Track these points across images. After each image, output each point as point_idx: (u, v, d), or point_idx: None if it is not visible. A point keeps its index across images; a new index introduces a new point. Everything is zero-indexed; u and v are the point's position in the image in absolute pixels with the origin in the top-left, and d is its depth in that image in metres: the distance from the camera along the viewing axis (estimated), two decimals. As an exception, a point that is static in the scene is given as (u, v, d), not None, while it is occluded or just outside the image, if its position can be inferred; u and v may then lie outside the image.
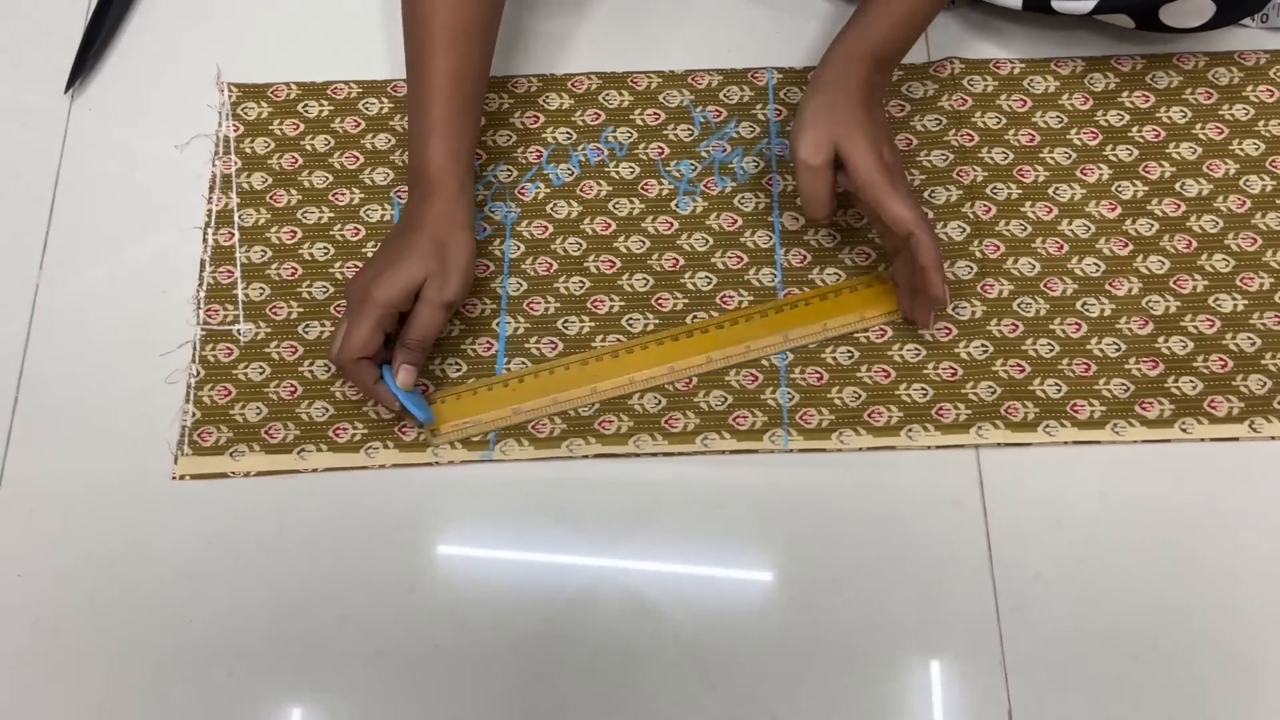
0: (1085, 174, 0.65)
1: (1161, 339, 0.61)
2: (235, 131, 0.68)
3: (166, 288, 0.65)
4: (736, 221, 0.65)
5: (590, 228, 0.65)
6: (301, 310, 0.64)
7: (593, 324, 0.63)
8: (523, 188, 0.66)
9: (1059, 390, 0.60)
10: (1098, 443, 0.59)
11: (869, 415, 0.60)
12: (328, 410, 0.61)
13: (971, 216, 0.64)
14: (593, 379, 0.60)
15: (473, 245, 0.58)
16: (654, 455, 0.60)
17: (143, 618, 0.58)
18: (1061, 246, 0.63)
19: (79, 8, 0.72)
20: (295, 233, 0.66)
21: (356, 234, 0.65)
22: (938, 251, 0.55)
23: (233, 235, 0.66)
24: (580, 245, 0.65)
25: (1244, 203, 0.64)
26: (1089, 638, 0.56)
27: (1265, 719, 0.54)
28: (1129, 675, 0.55)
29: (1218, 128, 0.66)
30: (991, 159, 0.65)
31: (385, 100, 0.69)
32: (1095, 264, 0.63)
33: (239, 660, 0.57)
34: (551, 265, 0.64)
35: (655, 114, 0.68)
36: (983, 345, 0.61)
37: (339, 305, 0.63)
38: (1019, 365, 0.61)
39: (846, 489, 0.59)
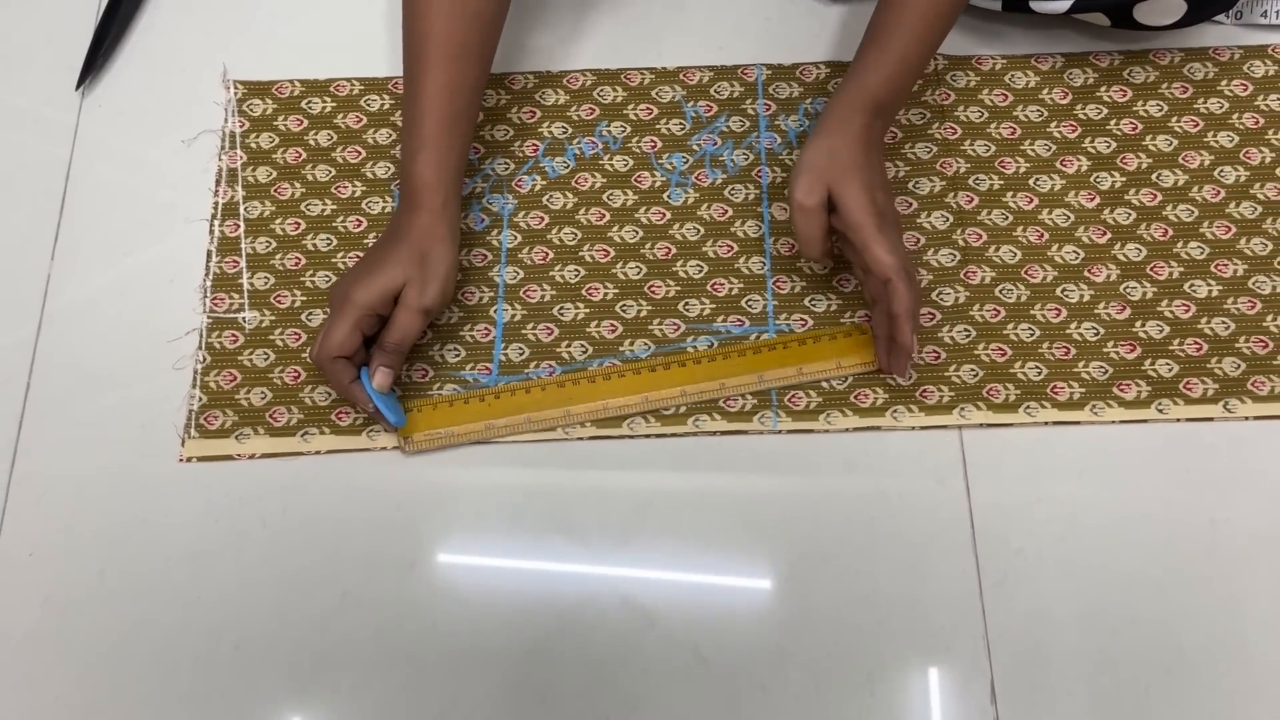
0: (1065, 165, 0.67)
1: (1139, 323, 0.63)
2: (241, 127, 0.70)
3: (174, 277, 0.67)
4: (727, 212, 0.67)
5: (585, 218, 0.67)
6: (305, 299, 0.66)
7: (588, 310, 0.65)
8: (520, 180, 0.68)
9: (1039, 373, 0.62)
10: (1077, 423, 0.61)
11: (855, 397, 0.62)
12: (329, 395, 0.63)
13: (954, 206, 0.66)
14: (568, 401, 0.62)
15: (453, 258, 0.60)
16: (647, 437, 0.62)
17: (151, 594, 0.59)
18: (1042, 235, 0.65)
19: (89, 8, 0.75)
20: (299, 224, 0.68)
21: (358, 225, 0.67)
22: (913, 302, 0.56)
23: (238, 227, 0.68)
24: (576, 235, 0.67)
25: (1218, 192, 0.66)
26: (1069, 611, 0.57)
27: (1242, 686, 0.56)
28: (1108, 646, 0.57)
29: (1193, 121, 0.68)
30: (974, 151, 0.67)
31: (386, 97, 0.71)
32: (1075, 252, 0.65)
33: (244, 635, 0.58)
34: (548, 254, 0.66)
35: (648, 109, 0.70)
36: (965, 330, 0.63)
37: (329, 293, 0.65)
38: (1000, 349, 0.62)
39: (834, 467, 0.61)
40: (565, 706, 0.57)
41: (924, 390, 0.62)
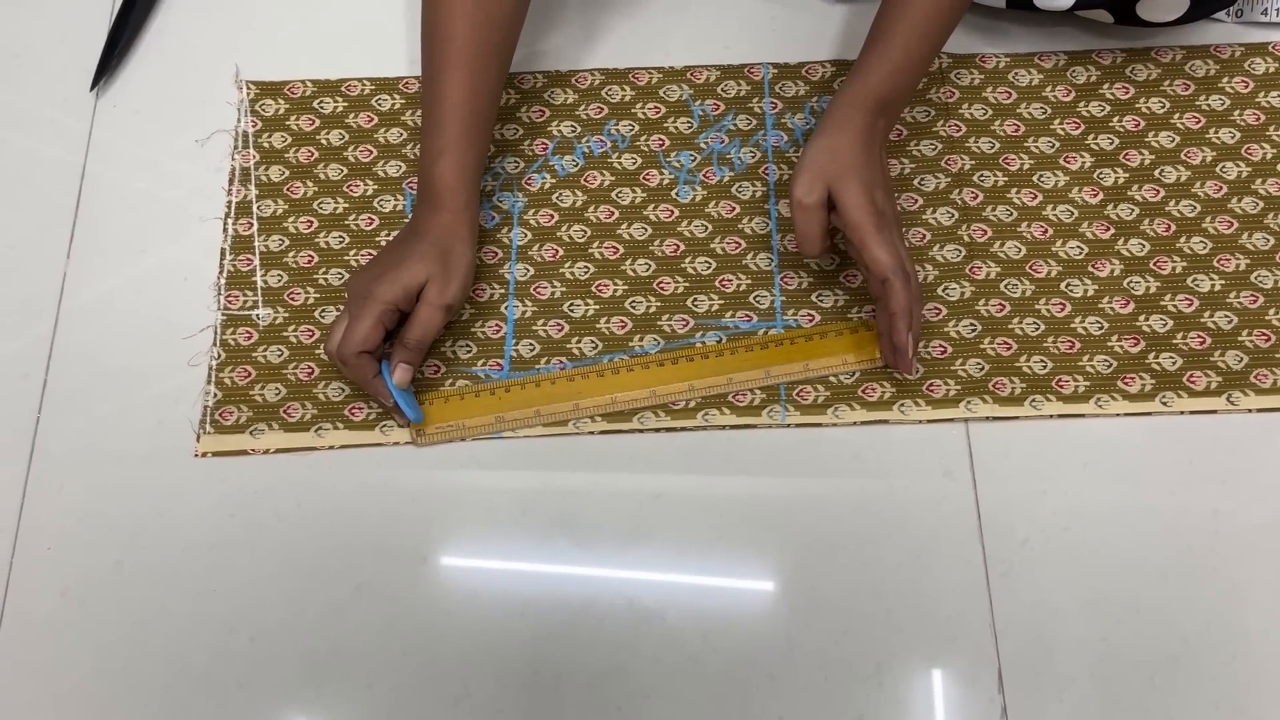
0: (1068, 162, 0.68)
1: (1142, 317, 0.64)
2: (254, 127, 0.71)
3: (188, 275, 0.67)
4: (734, 209, 0.68)
5: (594, 216, 0.68)
6: (318, 296, 0.66)
7: (597, 306, 0.65)
8: (529, 178, 0.69)
9: (1044, 366, 0.63)
10: (1081, 416, 0.62)
11: (863, 391, 0.63)
12: (343, 390, 0.64)
13: (960, 202, 0.67)
14: (578, 395, 0.63)
15: (473, 259, 0.61)
16: (657, 431, 0.62)
17: (167, 587, 0.60)
18: (1046, 230, 0.66)
19: (104, 9, 0.76)
20: (311, 222, 0.68)
21: (370, 223, 0.68)
22: (909, 301, 0.57)
23: (251, 225, 0.68)
24: (585, 232, 0.67)
25: (1220, 188, 0.66)
26: (1074, 600, 0.58)
27: (1245, 675, 0.56)
28: (1112, 635, 0.57)
29: (1195, 117, 0.68)
30: (979, 148, 0.68)
31: (397, 96, 0.72)
32: (1078, 247, 0.65)
33: (259, 626, 0.59)
34: (557, 251, 0.67)
35: (656, 108, 0.71)
36: (971, 324, 0.64)
37: (346, 287, 0.66)
38: (1006, 343, 0.63)
39: (842, 461, 0.61)
40: (577, 696, 0.57)
41: (931, 384, 0.62)
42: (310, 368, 0.65)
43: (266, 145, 0.71)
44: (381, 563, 0.60)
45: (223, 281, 0.67)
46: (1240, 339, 0.63)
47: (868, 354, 0.63)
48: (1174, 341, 0.63)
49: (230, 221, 0.69)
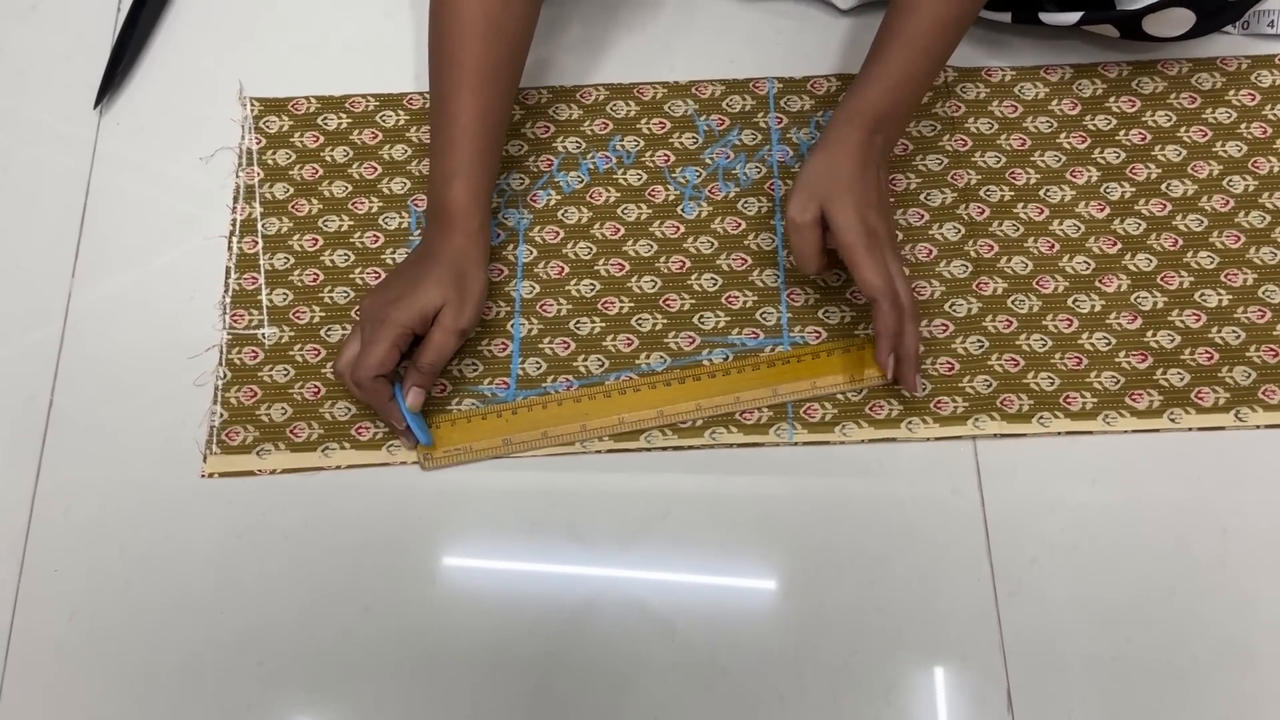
0: (1075, 176, 0.67)
1: (1150, 333, 0.63)
2: (258, 144, 0.71)
3: (193, 294, 0.67)
4: (740, 225, 0.67)
5: (600, 232, 0.68)
6: (324, 314, 0.66)
7: (604, 324, 0.65)
8: (535, 195, 0.69)
9: (1052, 383, 0.63)
10: (1089, 433, 0.62)
11: (870, 409, 0.62)
12: (350, 410, 0.64)
13: (966, 218, 0.67)
14: (584, 416, 0.62)
15: (486, 282, 0.61)
16: (664, 450, 0.62)
17: (175, 609, 0.60)
18: (1053, 245, 0.66)
19: (106, 26, 0.75)
20: (316, 240, 0.68)
21: (376, 241, 0.68)
22: (894, 323, 0.57)
23: (256, 243, 0.68)
24: (590, 249, 0.67)
25: (1227, 202, 0.66)
26: (1083, 619, 0.58)
27: (1252, 693, 0.56)
28: (1122, 654, 0.57)
29: (1201, 130, 0.68)
30: (984, 162, 0.68)
31: (401, 113, 0.71)
32: (1085, 262, 0.65)
33: (268, 649, 0.59)
34: (563, 269, 0.67)
35: (661, 123, 0.71)
36: (978, 340, 0.64)
37: (359, 310, 0.66)
38: (1013, 359, 0.63)
39: (850, 478, 0.61)
40: (586, 716, 0.57)
41: (938, 401, 0.62)
42: (316, 387, 0.64)
43: (271, 162, 0.71)
44: (390, 583, 0.60)
45: (228, 300, 0.67)
46: (1248, 354, 0.63)
47: (875, 370, 0.62)
48: (1182, 357, 0.63)
49: (235, 240, 0.69)
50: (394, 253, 0.68)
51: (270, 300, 0.67)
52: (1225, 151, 0.68)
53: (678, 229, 0.68)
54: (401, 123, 0.71)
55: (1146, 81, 0.70)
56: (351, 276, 0.67)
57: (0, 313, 0.67)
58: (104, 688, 0.59)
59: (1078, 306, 0.64)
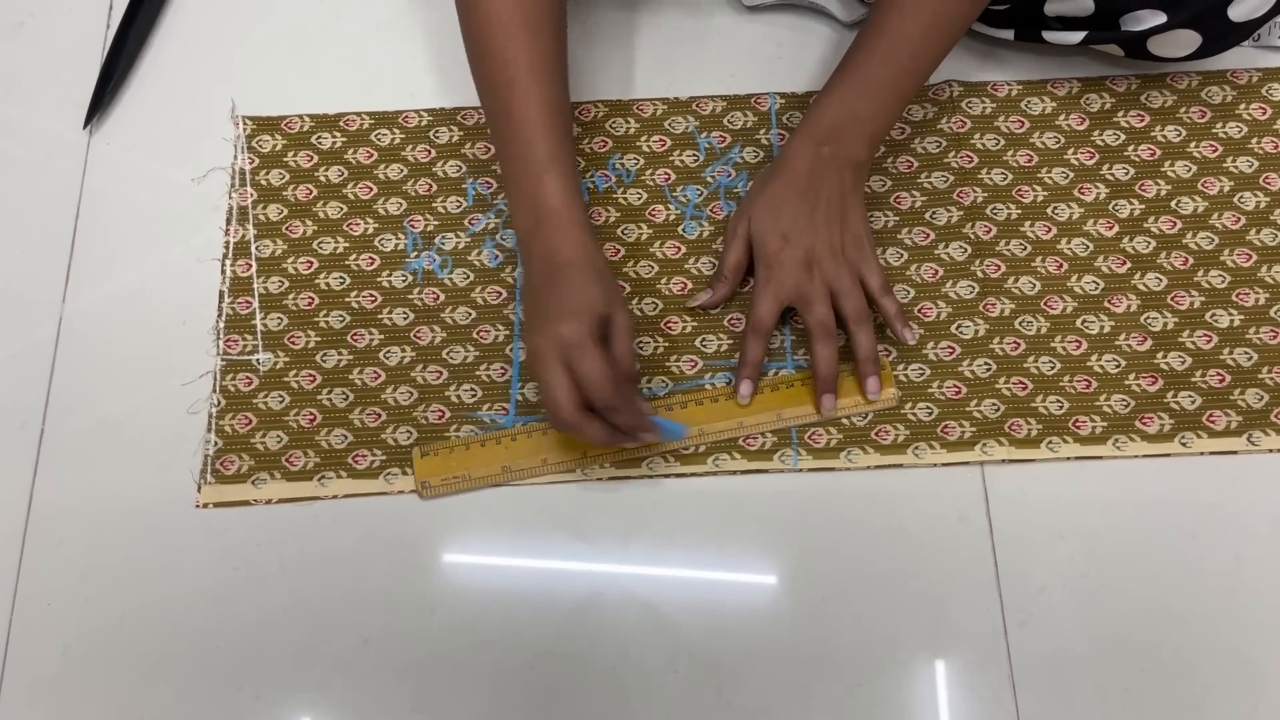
0: (1083, 193, 0.66)
1: (1160, 355, 0.62)
2: (251, 164, 0.70)
3: (186, 319, 0.66)
4: (743, 245, 0.66)
5: (600, 253, 0.66)
6: (319, 339, 0.65)
7: (604, 348, 0.64)
8: (533, 215, 0.68)
9: (1061, 407, 0.61)
10: (1099, 458, 0.60)
11: (876, 434, 0.61)
12: (346, 437, 0.63)
13: (972, 237, 0.65)
14: (584, 444, 0.61)
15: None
16: (666, 477, 0.61)
17: (171, 641, 0.59)
18: (1061, 265, 0.64)
19: (96, 44, 0.74)
20: (311, 263, 0.67)
21: (371, 263, 0.67)
22: (751, 356, 0.60)
23: (250, 266, 0.67)
24: (590, 271, 0.66)
25: (1239, 219, 0.65)
26: (1093, 649, 0.57)
27: (1267, 726, 0.56)
28: (1134, 685, 0.56)
29: (1212, 145, 0.67)
30: (991, 180, 0.67)
31: (396, 131, 0.70)
32: (1094, 282, 0.64)
33: (265, 682, 0.58)
34: (563, 291, 0.66)
35: (661, 140, 0.69)
36: (986, 363, 0.63)
37: (356, 334, 0.65)
38: (1021, 382, 0.62)
39: (855, 505, 0.60)
40: (589, 752, 0.56)
41: (945, 426, 0.61)
42: (312, 414, 0.63)
43: (264, 183, 0.69)
44: (389, 615, 0.59)
45: (222, 325, 0.66)
46: (1260, 376, 0.61)
47: (884, 393, 0.61)
48: (1193, 379, 0.62)
49: (228, 262, 0.67)
50: (389, 275, 0.66)
51: (265, 325, 0.66)
52: (1236, 167, 0.66)
53: (679, 249, 0.66)
54: (396, 141, 0.70)
55: (1155, 95, 0.68)
56: (348, 300, 0.66)
57: (-10, 339, 0.66)
58: (99, 724, 0.58)
59: (1087, 328, 0.63)
